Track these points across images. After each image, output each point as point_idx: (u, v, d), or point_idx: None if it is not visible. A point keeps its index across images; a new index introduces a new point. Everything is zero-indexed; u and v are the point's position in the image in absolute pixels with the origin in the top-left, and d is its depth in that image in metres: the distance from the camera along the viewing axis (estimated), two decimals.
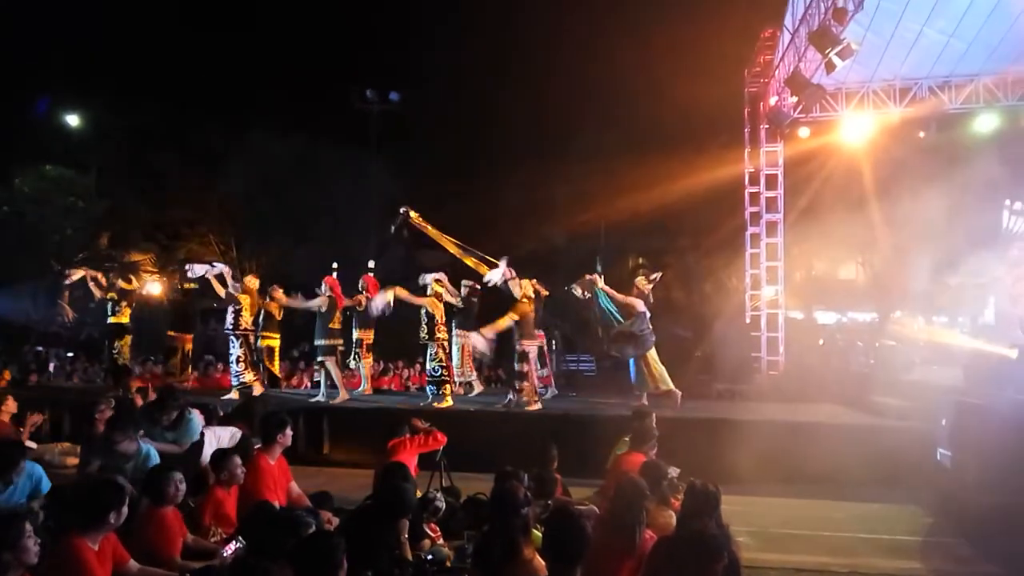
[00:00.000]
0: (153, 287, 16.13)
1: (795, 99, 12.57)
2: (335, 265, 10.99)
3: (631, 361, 9.55)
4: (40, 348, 18.44)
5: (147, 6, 26.34)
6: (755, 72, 14.63)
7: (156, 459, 5.79)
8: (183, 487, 4.80)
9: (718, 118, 18.16)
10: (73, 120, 23.05)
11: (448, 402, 9.61)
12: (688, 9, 19.61)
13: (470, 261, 10.44)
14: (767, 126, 14.37)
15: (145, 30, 26.37)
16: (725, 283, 20.09)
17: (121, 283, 11.44)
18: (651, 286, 9.76)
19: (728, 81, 15.73)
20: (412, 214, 10.93)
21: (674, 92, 19.27)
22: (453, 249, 10.73)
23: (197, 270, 11.09)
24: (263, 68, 27.88)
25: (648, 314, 9.49)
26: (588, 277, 9.84)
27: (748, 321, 14.45)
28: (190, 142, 22.32)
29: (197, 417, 6.75)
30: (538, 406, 9.39)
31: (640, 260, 27.89)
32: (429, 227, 10.93)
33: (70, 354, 18.25)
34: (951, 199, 13.66)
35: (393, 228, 11.18)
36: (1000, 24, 11.13)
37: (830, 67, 10.27)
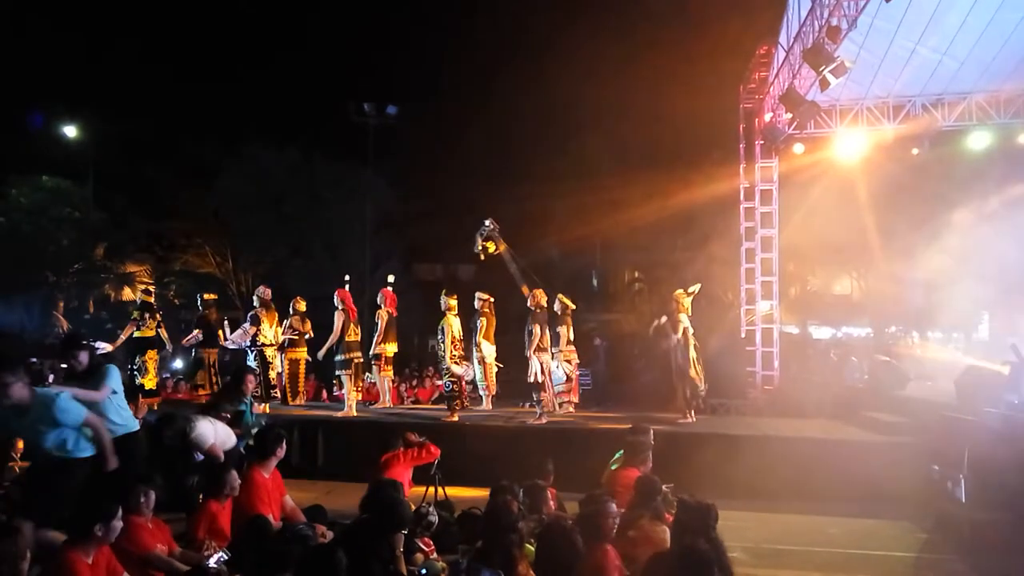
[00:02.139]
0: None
1: (790, 115, 12.63)
2: (347, 278, 10.95)
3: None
4: (35, 360, 18.35)
5: (146, 19, 26.51)
6: (750, 88, 14.71)
7: (65, 407, 4.91)
8: (151, 498, 4.79)
9: (714, 134, 18.30)
10: (70, 131, 23.10)
11: (455, 418, 9.63)
12: (684, 27, 19.84)
13: (524, 288, 10.43)
14: (762, 142, 14.41)
15: (143, 42, 26.54)
16: (721, 297, 20.14)
17: (143, 296, 11.23)
18: (690, 299, 9.85)
19: (723, 97, 15.82)
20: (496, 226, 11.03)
21: (670, 108, 19.47)
22: (514, 270, 10.76)
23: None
24: (262, 81, 28.11)
25: (691, 329, 9.63)
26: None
27: (743, 336, 14.46)
28: (187, 154, 22.38)
29: (116, 370, 5.84)
30: (543, 421, 9.41)
31: (636, 274, 28.05)
32: (503, 242, 11.00)
33: (64, 365, 18.18)
34: (944, 215, 13.77)
35: (480, 241, 11.15)
36: (992, 43, 11.23)
37: (824, 84, 10.32)
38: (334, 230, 23.64)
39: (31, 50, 23.70)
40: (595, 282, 27.58)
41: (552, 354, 10.07)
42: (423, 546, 5.25)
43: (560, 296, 10.55)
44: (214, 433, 6.36)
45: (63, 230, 21.75)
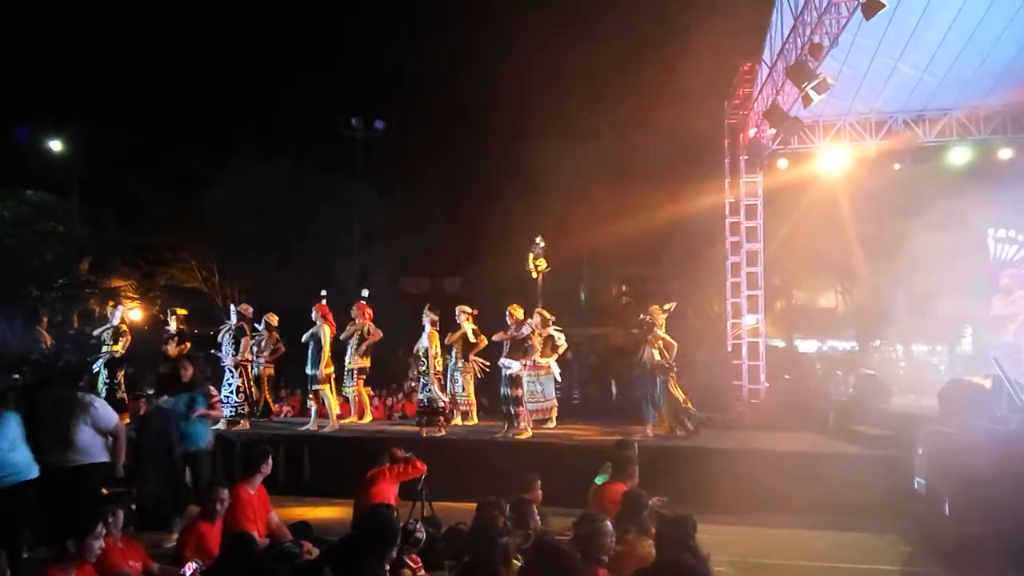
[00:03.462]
0: (133, 314, 16.01)
1: (773, 131, 12.78)
2: (323, 292, 10.98)
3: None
4: (16, 375, 18.14)
5: (131, 31, 26.47)
6: (734, 104, 14.84)
7: None
8: (120, 517, 4.81)
9: (699, 149, 18.46)
10: (55, 145, 22.93)
11: (441, 432, 9.60)
12: (669, 43, 20.00)
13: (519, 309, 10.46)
14: (746, 157, 14.54)
15: (129, 55, 26.49)
16: (707, 311, 20.22)
17: (122, 311, 11.39)
18: (665, 316, 9.90)
19: (708, 113, 15.95)
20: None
21: (656, 123, 19.55)
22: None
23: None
24: (250, 96, 28.10)
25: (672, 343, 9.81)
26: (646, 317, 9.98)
27: (730, 349, 14.52)
28: (173, 167, 22.27)
29: (16, 420, 5.50)
30: (528, 435, 9.39)
31: (623, 288, 28.11)
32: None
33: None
34: (926, 229, 13.93)
35: (532, 259, 11.22)
36: (971, 61, 11.41)
37: (807, 101, 10.43)
38: (322, 243, 23.57)
39: (13, 62, 23.54)
40: (583, 296, 27.61)
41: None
42: (410, 563, 5.23)
43: (539, 310, 10.56)
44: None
45: (47, 244, 21.59)
